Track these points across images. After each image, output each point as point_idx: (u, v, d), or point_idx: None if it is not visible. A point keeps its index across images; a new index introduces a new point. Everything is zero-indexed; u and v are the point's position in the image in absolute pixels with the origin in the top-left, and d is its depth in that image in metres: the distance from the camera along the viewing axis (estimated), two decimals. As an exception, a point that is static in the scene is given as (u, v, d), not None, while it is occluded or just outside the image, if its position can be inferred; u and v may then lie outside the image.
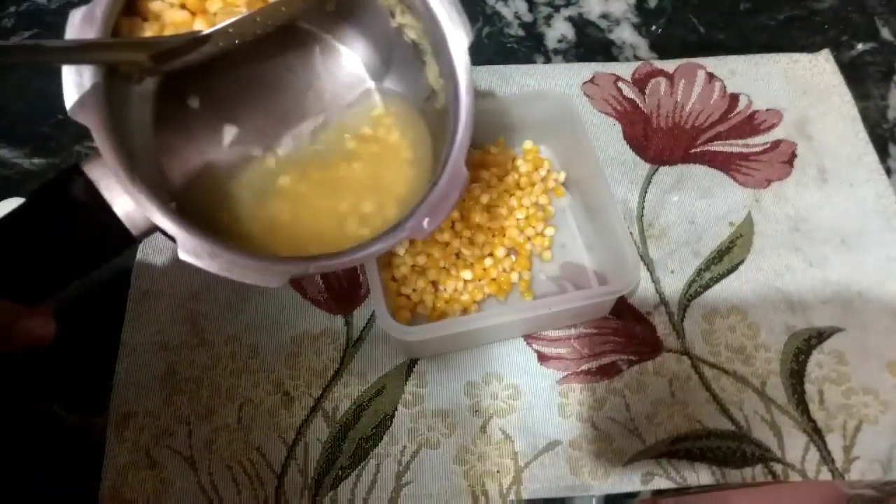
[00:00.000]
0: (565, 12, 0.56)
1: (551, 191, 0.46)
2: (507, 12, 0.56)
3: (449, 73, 0.34)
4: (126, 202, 0.29)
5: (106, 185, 0.29)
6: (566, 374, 0.41)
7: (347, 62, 0.39)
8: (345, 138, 0.37)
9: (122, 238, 0.29)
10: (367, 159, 0.37)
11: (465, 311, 0.41)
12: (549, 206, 0.45)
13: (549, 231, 0.44)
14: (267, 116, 0.37)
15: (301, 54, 0.38)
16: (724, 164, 0.48)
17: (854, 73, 0.52)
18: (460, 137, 0.33)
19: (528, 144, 0.47)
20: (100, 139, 0.28)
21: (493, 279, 0.42)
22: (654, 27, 0.55)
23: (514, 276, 0.42)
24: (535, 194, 0.44)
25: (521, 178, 0.45)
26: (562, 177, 0.46)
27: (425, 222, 0.32)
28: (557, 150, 0.47)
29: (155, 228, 0.29)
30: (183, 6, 0.32)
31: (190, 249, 0.29)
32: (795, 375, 0.41)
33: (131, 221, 0.29)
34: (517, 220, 0.44)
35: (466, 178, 0.32)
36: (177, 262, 0.44)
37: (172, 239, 0.28)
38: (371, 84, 0.38)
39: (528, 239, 0.44)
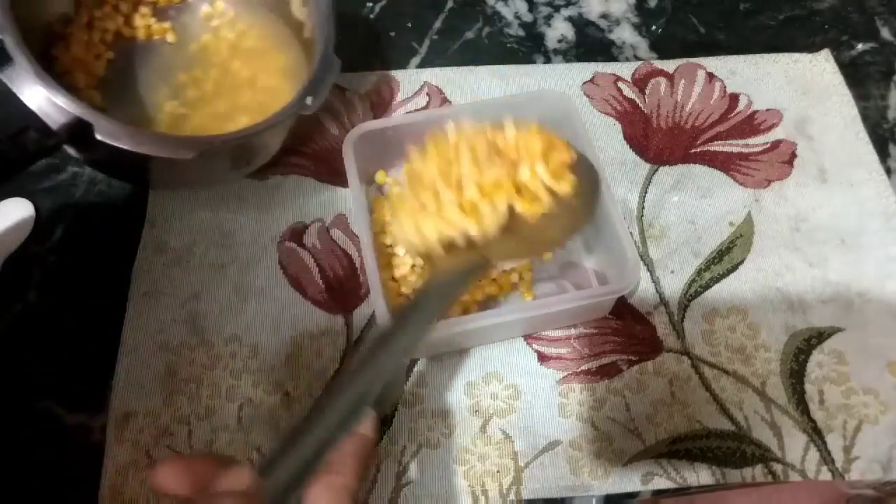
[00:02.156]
0: (565, 12, 0.56)
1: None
2: (507, 12, 0.56)
3: None
4: (41, 100, 0.33)
5: (20, 85, 0.33)
6: (566, 374, 0.41)
7: None
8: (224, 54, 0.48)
9: (41, 133, 0.33)
10: (248, 67, 0.47)
11: (465, 311, 0.41)
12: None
13: (550, 231, 0.44)
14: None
15: None
16: (724, 164, 0.48)
17: (854, 73, 0.52)
18: (325, 29, 0.41)
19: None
20: (12, 45, 0.33)
21: (494, 279, 0.42)
22: (654, 27, 0.55)
23: (514, 276, 0.42)
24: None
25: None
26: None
27: (308, 100, 0.39)
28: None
29: (72, 120, 0.33)
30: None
31: (106, 131, 0.33)
32: (795, 375, 0.41)
33: (48, 116, 0.33)
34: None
35: (338, 63, 0.41)
36: (177, 263, 0.44)
37: (90, 126, 0.33)
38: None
39: (529, 239, 0.44)
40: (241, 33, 0.49)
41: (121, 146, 0.33)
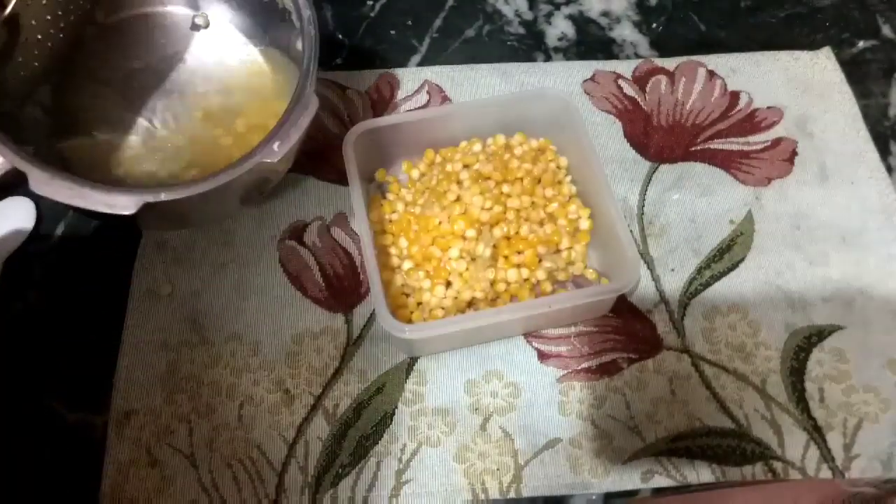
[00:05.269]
0: (566, 10, 0.56)
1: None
2: (507, 10, 0.56)
3: (297, 13, 0.39)
4: None
5: None
6: (566, 372, 0.41)
7: (222, 31, 0.46)
8: (225, 101, 0.45)
9: None
10: (248, 114, 0.44)
11: (465, 309, 0.41)
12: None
13: (550, 229, 0.44)
14: (145, 94, 0.45)
15: (170, 34, 0.46)
16: (725, 161, 0.48)
17: (855, 71, 0.52)
18: (304, 67, 0.37)
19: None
20: None
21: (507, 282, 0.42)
22: (654, 25, 0.55)
23: (526, 273, 0.42)
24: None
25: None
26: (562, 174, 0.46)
27: (275, 145, 0.35)
28: (558, 148, 0.47)
29: (10, 169, 0.32)
30: None
31: (40, 182, 0.32)
32: (796, 373, 0.41)
33: None
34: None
35: (315, 103, 0.36)
36: (177, 261, 0.44)
37: (25, 178, 0.32)
38: (249, 44, 0.46)
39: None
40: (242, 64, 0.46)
41: (52, 197, 0.32)
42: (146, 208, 0.33)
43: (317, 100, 0.36)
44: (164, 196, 0.33)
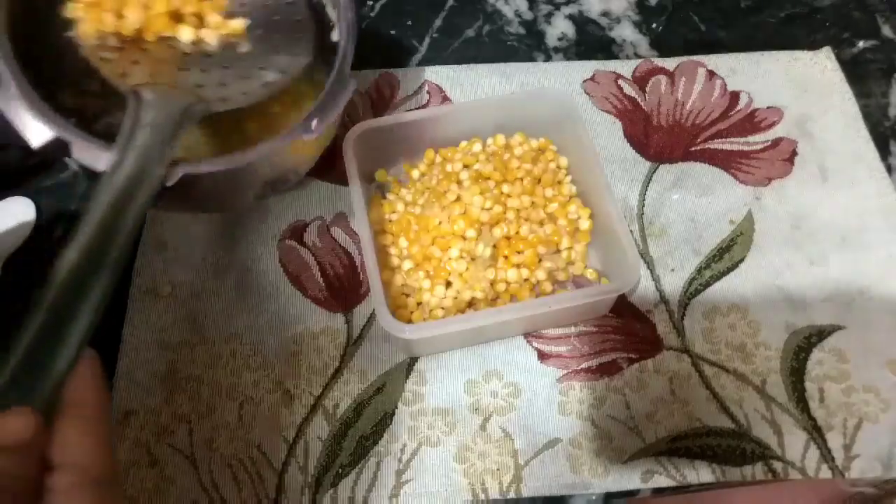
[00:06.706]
0: (566, 10, 0.56)
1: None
2: (507, 10, 0.56)
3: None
4: (26, 118, 0.32)
5: (2, 102, 0.32)
6: (566, 372, 0.41)
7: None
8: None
9: (24, 151, 0.33)
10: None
11: (465, 309, 0.41)
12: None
13: (550, 229, 0.44)
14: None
15: None
16: (725, 161, 0.48)
17: (855, 71, 0.52)
18: (343, 48, 0.38)
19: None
20: (7, 69, 0.33)
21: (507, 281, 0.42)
22: (654, 25, 0.55)
23: (526, 273, 0.42)
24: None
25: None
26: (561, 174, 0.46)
27: (313, 123, 0.35)
28: (558, 148, 0.47)
29: (52, 139, 0.32)
30: None
31: (83, 151, 0.32)
32: (796, 373, 0.41)
33: (30, 133, 0.32)
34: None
35: (353, 83, 0.37)
36: (177, 261, 0.44)
37: (68, 147, 0.32)
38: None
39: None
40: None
41: (96, 168, 0.32)
42: (174, 184, 0.32)
43: (355, 81, 0.37)
44: (203, 168, 0.32)
